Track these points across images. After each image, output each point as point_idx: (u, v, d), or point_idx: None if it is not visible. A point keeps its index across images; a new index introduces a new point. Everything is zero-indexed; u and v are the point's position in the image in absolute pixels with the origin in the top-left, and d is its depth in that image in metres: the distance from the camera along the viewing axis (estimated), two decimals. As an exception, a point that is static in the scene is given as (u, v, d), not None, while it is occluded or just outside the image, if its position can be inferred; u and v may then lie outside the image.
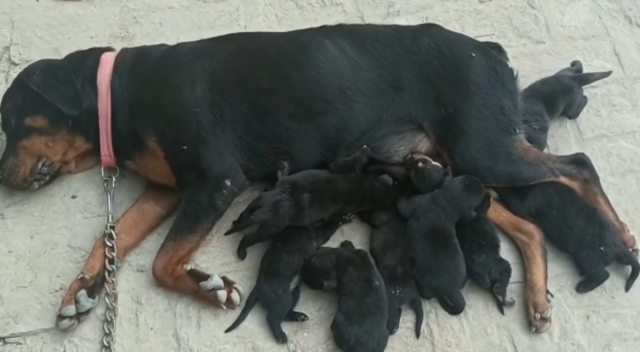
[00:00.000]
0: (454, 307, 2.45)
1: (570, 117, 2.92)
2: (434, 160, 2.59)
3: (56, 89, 2.59)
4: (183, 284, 2.46)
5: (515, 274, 2.53)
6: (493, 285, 2.46)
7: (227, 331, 2.42)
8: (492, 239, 2.52)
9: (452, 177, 2.56)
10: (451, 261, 2.44)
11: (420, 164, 2.56)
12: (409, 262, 2.47)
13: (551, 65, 3.07)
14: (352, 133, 2.59)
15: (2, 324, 2.46)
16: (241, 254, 2.57)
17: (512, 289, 2.51)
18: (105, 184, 2.69)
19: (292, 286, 2.45)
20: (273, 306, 2.40)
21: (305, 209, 2.48)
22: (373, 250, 2.52)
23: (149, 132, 2.53)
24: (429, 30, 2.73)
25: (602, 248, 2.47)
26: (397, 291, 2.41)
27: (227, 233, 2.57)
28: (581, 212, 2.53)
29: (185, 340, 2.42)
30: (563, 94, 2.84)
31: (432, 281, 2.43)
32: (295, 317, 2.42)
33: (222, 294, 2.40)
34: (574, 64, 3.03)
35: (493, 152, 2.54)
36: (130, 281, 2.55)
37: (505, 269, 2.48)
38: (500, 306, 2.47)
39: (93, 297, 2.44)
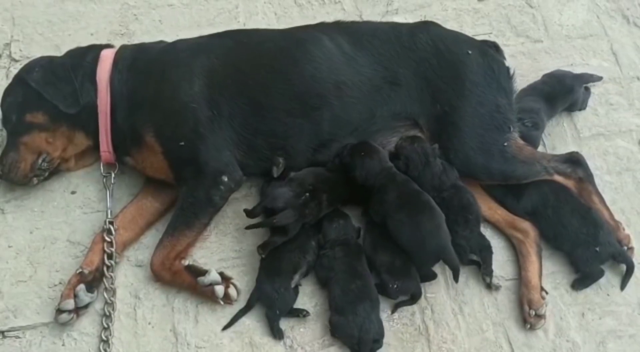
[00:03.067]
0: (453, 270, 2.41)
1: (580, 110, 2.94)
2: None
3: (55, 87, 2.60)
4: (181, 279, 2.48)
5: (510, 271, 2.55)
6: (473, 263, 2.50)
7: (224, 328, 2.44)
8: (477, 214, 2.52)
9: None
10: (432, 222, 2.40)
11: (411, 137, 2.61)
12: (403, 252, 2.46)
13: (549, 64, 3.08)
14: (344, 128, 2.60)
15: (1, 318, 2.48)
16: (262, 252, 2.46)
17: (508, 286, 2.53)
18: (104, 180, 2.70)
19: (292, 284, 2.46)
20: (275, 305, 2.41)
21: (324, 209, 2.51)
22: (365, 251, 2.52)
23: (147, 128, 2.55)
24: (427, 27, 2.74)
25: (597, 248, 2.48)
26: (395, 285, 2.42)
27: (248, 227, 2.52)
28: (576, 212, 2.55)
29: (183, 335, 2.44)
30: (564, 94, 2.85)
31: (420, 252, 2.40)
32: (297, 314, 2.44)
33: (220, 290, 2.42)
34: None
35: (487, 150, 2.55)
36: (128, 276, 2.56)
37: (486, 246, 2.50)
38: (489, 287, 2.50)
39: (92, 292, 2.46)
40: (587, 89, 2.95)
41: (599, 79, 2.98)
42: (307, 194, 2.46)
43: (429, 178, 2.54)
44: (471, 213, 2.51)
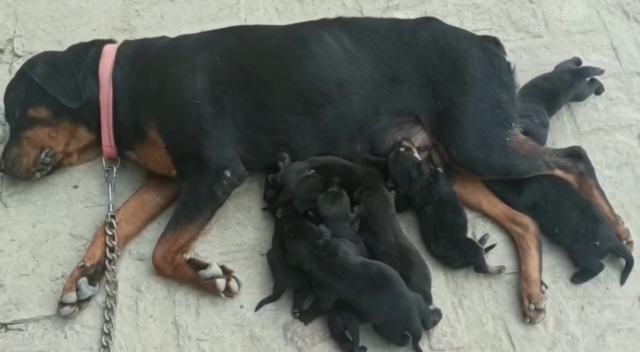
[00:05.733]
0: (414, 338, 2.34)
1: (597, 94, 2.96)
2: (421, 153, 2.66)
3: (57, 82, 2.62)
4: (182, 272, 2.49)
5: (510, 265, 2.56)
6: (467, 265, 2.53)
7: (257, 308, 2.47)
8: (453, 231, 2.54)
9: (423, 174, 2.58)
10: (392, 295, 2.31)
11: (401, 149, 2.60)
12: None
13: (549, 59, 3.08)
14: (349, 125, 2.61)
15: (4, 311, 2.50)
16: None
17: (508, 280, 2.54)
18: (106, 174, 2.72)
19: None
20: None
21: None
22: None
23: (150, 123, 2.56)
24: (427, 23, 2.74)
25: (597, 243, 2.49)
26: None
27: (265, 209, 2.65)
28: (576, 206, 2.55)
29: (184, 327, 2.46)
30: (565, 90, 2.85)
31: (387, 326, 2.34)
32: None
33: (221, 283, 2.43)
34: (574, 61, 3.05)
35: (488, 145, 2.56)
36: (130, 269, 2.58)
37: (473, 253, 2.50)
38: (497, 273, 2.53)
39: (94, 285, 2.48)
40: (593, 80, 2.95)
41: (601, 72, 2.97)
42: (312, 170, 2.50)
43: (417, 190, 2.58)
44: (442, 230, 2.53)
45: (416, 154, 2.61)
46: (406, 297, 2.28)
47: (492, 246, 2.57)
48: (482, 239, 2.57)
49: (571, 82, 2.86)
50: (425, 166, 2.61)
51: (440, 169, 2.63)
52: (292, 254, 2.36)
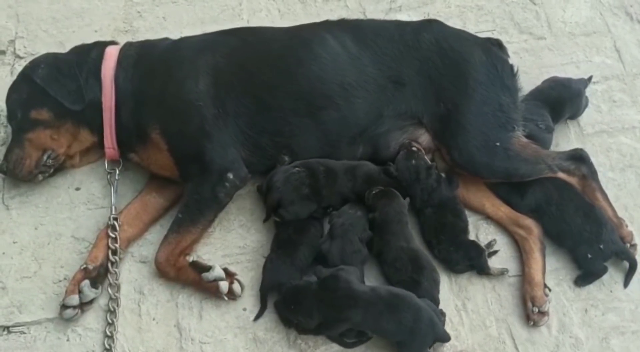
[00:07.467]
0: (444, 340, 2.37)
1: (573, 118, 2.93)
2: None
3: (60, 83, 2.61)
4: (185, 275, 2.49)
5: (513, 268, 2.56)
6: (471, 268, 2.53)
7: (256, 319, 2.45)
8: (454, 233, 2.53)
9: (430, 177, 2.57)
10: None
11: (413, 148, 2.59)
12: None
13: (552, 61, 3.09)
14: (352, 128, 2.60)
15: (6, 314, 2.49)
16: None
17: (511, 283, 2.53)
18: (108, 176, 2.71)
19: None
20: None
21: (321, 179, 2.52)
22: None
23: (152, 125, 2.56)
24: (430, 25, 2.74)
25: (600, 246, 2.48)
26: None
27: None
28: (579, 209, 2.55)
29: (187, 330, 2.45)
30: (572, 99, 2.84)
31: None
32: None
33: (224, 285, 2.43)
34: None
35: (491, 148, 2.55)
36: (133, 272, 2.57)
37: (477, 255, 2.50)
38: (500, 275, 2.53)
39: (96, 288, 2.47)
40: (587, 98, 2.94)
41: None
42: (296, 169, 2.52)
43: (418, 192, 2.57)
44: (444, 234, 2.53)
45: (426, 158, 2.60)
46: (422, 306, 2.27)
47: (496, 252, 2.58)
48: (490, 244, 2.57)
49: (579, 91, 2.84)
50: (434, 171, 2.59)
51: (442, 175, 2.62)
52: (304, 319, 2.32)
